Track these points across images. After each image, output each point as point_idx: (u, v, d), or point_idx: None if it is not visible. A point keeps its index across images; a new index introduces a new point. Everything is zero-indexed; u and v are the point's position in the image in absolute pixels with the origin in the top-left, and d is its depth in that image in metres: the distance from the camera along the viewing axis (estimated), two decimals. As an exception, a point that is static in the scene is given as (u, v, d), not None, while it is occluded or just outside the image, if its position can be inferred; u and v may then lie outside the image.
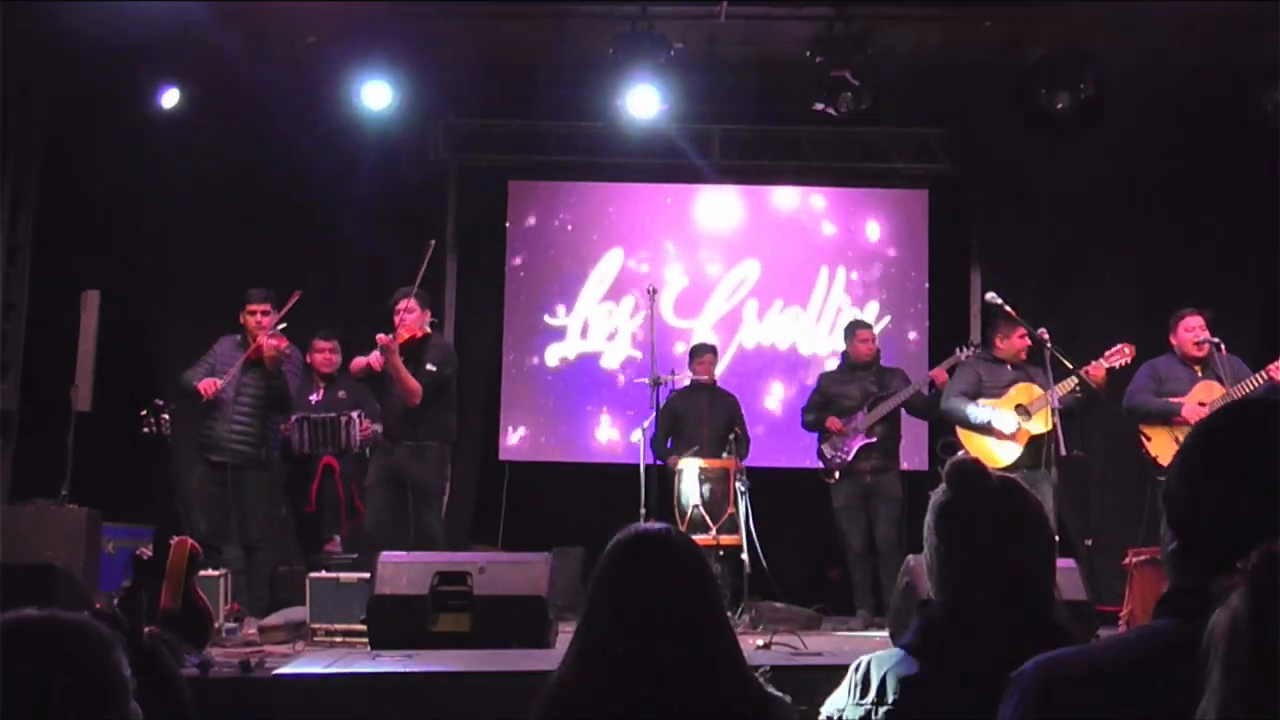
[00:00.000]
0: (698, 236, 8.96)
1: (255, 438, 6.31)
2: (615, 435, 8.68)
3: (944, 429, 6.94)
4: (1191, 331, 6.17)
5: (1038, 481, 6.10)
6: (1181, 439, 5.65)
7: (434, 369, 6.28)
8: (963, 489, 1.92)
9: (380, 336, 6.17)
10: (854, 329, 7.26)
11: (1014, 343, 6.45)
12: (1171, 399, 6.14)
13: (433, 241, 6.52)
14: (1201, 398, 6.10)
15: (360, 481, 6.62)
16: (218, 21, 7.00)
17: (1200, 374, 6.18)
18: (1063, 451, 5.90)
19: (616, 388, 8.76)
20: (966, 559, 1.88)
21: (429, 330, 6.47)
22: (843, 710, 1.95)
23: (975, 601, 1.85)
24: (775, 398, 8.64)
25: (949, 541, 1.90)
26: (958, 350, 6.98)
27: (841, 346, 7.43)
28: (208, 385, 6.22)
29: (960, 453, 2.02)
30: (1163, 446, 6.07)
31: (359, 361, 6.40)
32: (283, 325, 6.39)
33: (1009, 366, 6.47)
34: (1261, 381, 5.97)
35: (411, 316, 6.26)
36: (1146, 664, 1.26)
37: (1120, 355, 6.17)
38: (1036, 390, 6.24)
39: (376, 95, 7.67)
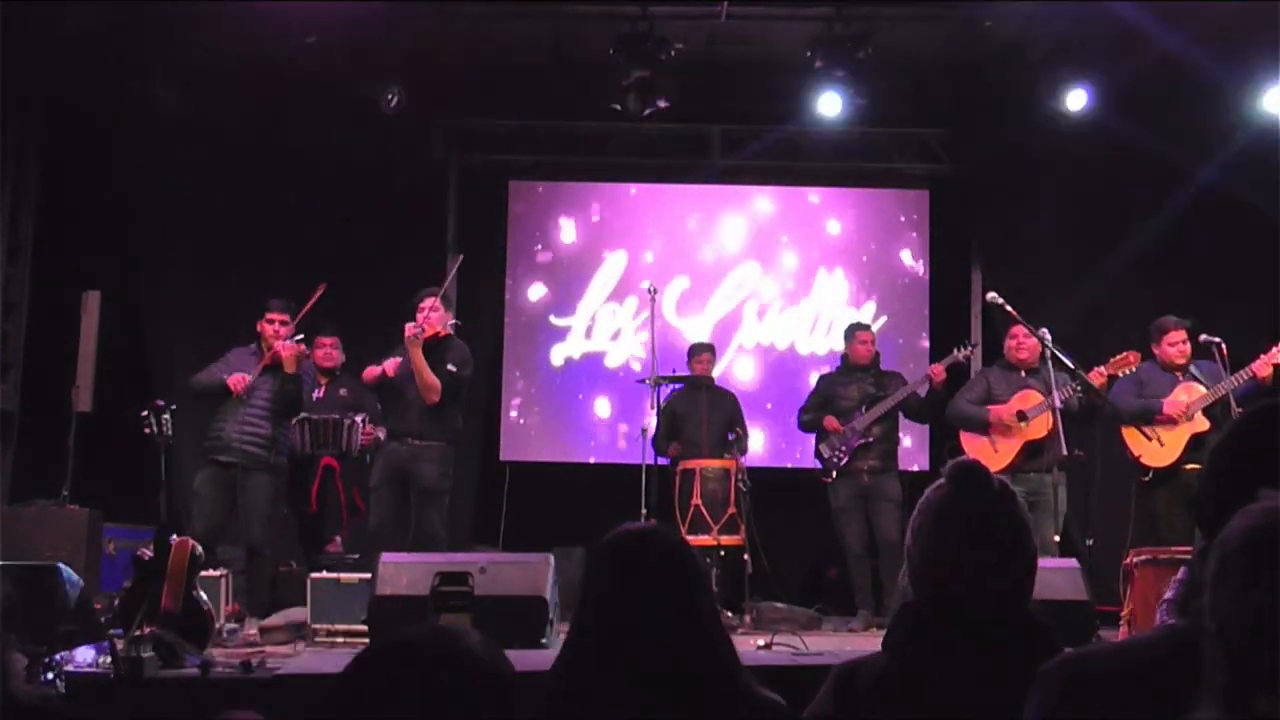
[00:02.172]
0: (698, 237, 8.96)
1: (266, 440, 6.31)
2: (616, 436, 8.68)
3: (948, 432, 6.94)
4: (1175, 345, 6.27)
5: (1044, 484, 6.11)
6: (1165, 439, 5.68)
7: (453, 369, 6.32)
8: (964, 490, 1.91)
9: (409, 326, 6.20)
10: (853, 330, 7.26)
11: (1008, 344, 6.48)
12: (1153, 400, 6.22)
13: (461, 256, 6.66)
14: (1181, 398, 6.16)
15: (361, 482, 6.63)
16: (219, 22, 7.01)
17: (1181, 379, 6.25)
18: (1064, 452, 5.91)
19: (618, 388, 8.76)
20: (957, 560, 1.86)
21: (451, 331, 6.50)
22: (824, 713, 1.93)
23: (960, 604, 1.84)
24: (775, 398, 8.64)
25: (942, 541, 1.88)
26: (955, 350, 6.99)
27: (840, 347, 7.43)
28: (237, 380, 6.21)
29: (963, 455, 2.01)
30: (1145, 447, 6.13)
31: (372, 371, 6.44)
32: (299, 336, 6.39)
33: (1022, 373, 6.48)
34: (1245, 378, 6.01)
35: (435, 315, 6.31)
36: (1170, 661, 1.26)
37: (1124, 363, 6.18)
38: (1037, 396, 6.27)
39: (379, 95, 7.67)
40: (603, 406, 8.79)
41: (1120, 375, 6.20)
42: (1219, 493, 1.39)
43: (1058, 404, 5.96)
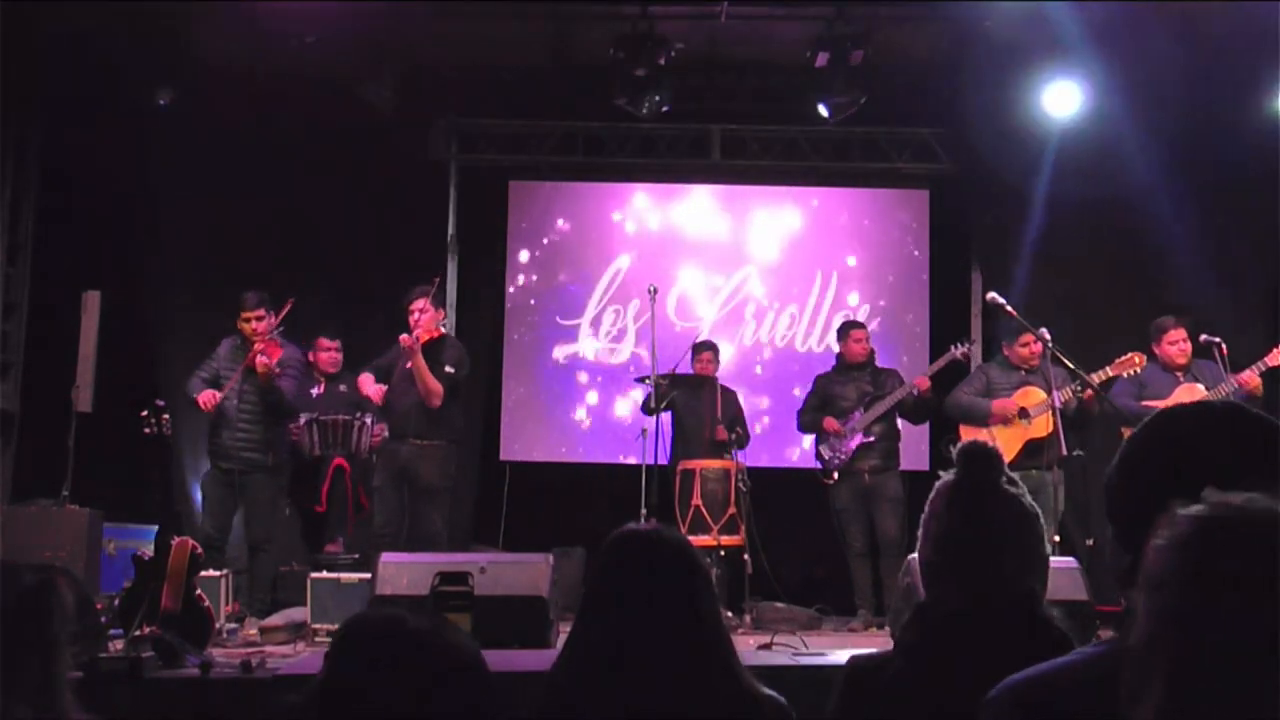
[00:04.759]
0: (698, 237, 8.96)
1: (261, 444, 6.32)
2: (617, 436, 8.67)
3: (947, 428, 6.94)
4: (1175, 344, 6.26)
5: (1044, 483, 6.11)
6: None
7: (452, 370, 6.33)
8: (973, 468, 1.90)
9: (404, 338, 6.20)
10: (848, 329, 7.26)
11: (1018, 350, 6.48)
12: (1152, 403, 6.19)
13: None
14: (1182, 399, 6.14)
15: (367, 482, 6.64)
16: (219, 22, 7.01)
17: (1182, 379, 6.24)
18: (1064, 451, 5.92)
19: (620, 388, 8.76)
20: (971, 544, 1.85)
21: (443, 331, 6.50)
22: (838, 716, 1.92)
23: (976, 598, 1.83)
24: (774, 397, 8.64)
25: (952, 521, 1.86)
26: (952, 347, 6.99)
27: (837, 346, 7.43)
28: (206, 399, 6.22)
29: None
30: None
31: (364, 386, 6.48)
32: (280, 329, 6.38)
33: (1022, 371, 6.49)
34: (1233, 387, 6.00)
35: (426, 316, 6.31)
36: (1112, 680, 1.25)
37: (1129, 364, 6.17)
38: (1039, 394, 6.27)
39: (376, 95, 7.66)
40: (604, 407, 8.79)
41: (1124, 376, 6.20)
42: (1135, 509, 1.36)
43: (1058, 404, 5.97)
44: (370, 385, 6.44)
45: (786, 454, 8.49)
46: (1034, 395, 6.34)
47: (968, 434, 6.51)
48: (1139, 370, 6.20)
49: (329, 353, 7.17)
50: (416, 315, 6.29)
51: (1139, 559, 1.24)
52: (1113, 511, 1.41)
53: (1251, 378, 6.03)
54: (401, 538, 6.18)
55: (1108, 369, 6.16)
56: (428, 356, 6.27)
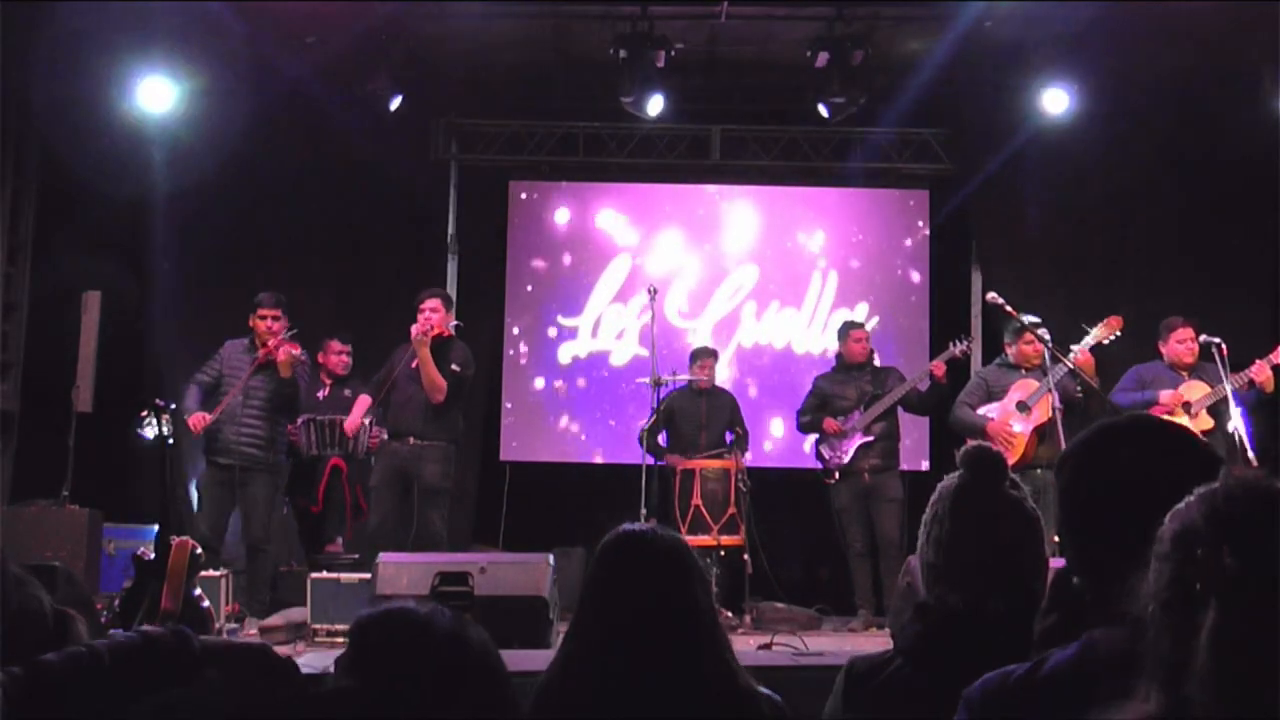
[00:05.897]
0: (698, 237, 8.96)
1: (264, 440, 6.32)
2: (617, 436, 8.67)
3: (952, 435, 6.92)
4: (1184, 343, 6.25)
5: (1047, 483, 6.08)
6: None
7: (457, 369, 6.37)
8: (978, 473, 1.90)
9: (414, 328, 6.23)
10: (847, 329, 7.25)
11: (1022, 349, 6.45)
12: (1150, 392, 6.20)
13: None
14: (1188, 394, 6.15)
15: (365, 483, 6.64)
16: (218, 21, 7.00)
17: (1187, 378, 6.24)
18: (1064, 449, 5.89)
19: (619, 388, 8.76)
20: (973, 548, 1.85)
21: (453, 332, 6.52)
22: (838, 716, 1.92)
23: (977, 600, 1.83)
24: (773, 397, 8.64)
25: (958, 527, 1.87)
26: (951, 344, 6.98)
27: (836, 346, 7.42)
28: (196, 421, 6.20)
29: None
30: None
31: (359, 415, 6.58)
32: (293, 331, 6.39)
33: (1022, 370, 6.47)
34: (1244, 381, 6.00)
35: (437, 316, 6.33)
36: (1090, 677, 1.25)
37: (1110, 328, 6.11)
38: (1034, 382, 6.25)
39: (377, 95, 7.66)
40: (604, 406, 8.79)
41: (1106, 342, 6.12)
42: (1087, 529, 1.36)
43: (1058, 403, 5.94)
44: (359, 413, 6.59)
45: (787, 454, 8.48)
46: (1031, 385, 6.32)
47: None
48: (1119, 333, 6.12)
49: (340, 356, 7.18)
50: (428, 314, 6.33)
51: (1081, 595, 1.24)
52: (1066, 532, 1.42)
53: (1263, 369, 6.01)
54: (399, 536, 6.17)
55: (1087, 340, 6.09)
56: (436, 354, 6.29)
